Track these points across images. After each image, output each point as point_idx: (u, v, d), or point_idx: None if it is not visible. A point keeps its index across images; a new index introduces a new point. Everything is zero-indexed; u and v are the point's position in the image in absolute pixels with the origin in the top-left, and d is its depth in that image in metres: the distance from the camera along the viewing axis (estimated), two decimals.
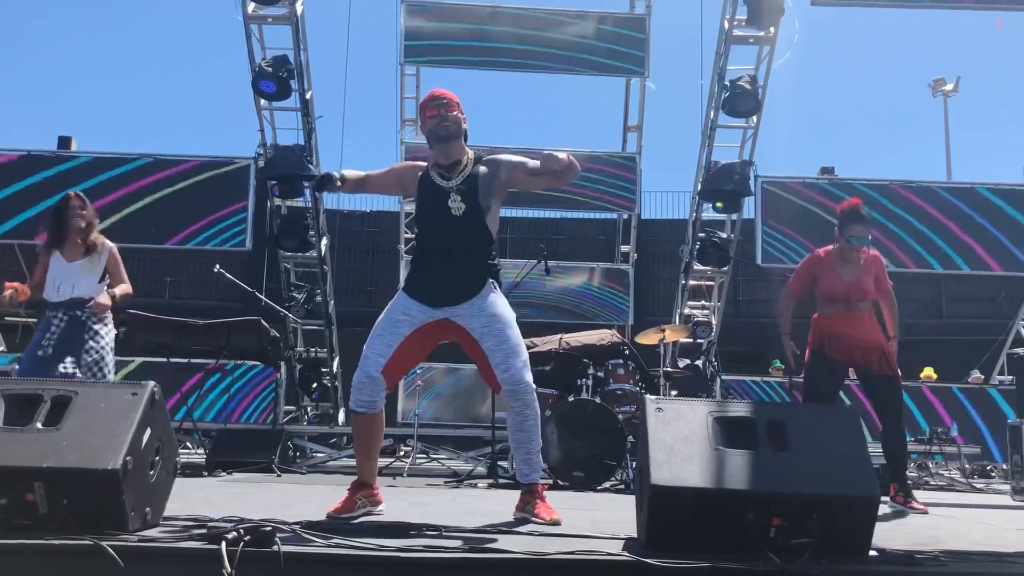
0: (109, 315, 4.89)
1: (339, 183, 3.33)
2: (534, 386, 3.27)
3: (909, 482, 4.79)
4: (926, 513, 4.39)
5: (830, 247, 4.88)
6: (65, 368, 4.61)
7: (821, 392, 4.67)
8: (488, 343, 3.22)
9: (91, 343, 4.72)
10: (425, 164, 3.45)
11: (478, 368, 3.38)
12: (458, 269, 3.28)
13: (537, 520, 3.16)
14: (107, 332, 4.85)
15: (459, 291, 3.27)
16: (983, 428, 9.75)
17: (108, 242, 4.98)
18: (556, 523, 3.11)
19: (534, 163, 3.27)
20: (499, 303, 3.28)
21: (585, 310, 10.86)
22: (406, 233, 10.55)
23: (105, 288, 4.86)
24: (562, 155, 3.10)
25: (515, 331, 3.27)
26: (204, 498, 3.86)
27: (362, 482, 3.29)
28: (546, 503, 3.28)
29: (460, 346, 3.39)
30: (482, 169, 3.36)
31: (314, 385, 10.08)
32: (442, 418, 9.84)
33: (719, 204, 9.89)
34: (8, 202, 9.59)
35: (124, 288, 4.92)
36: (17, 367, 4.80)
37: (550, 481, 5.64)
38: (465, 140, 3.43)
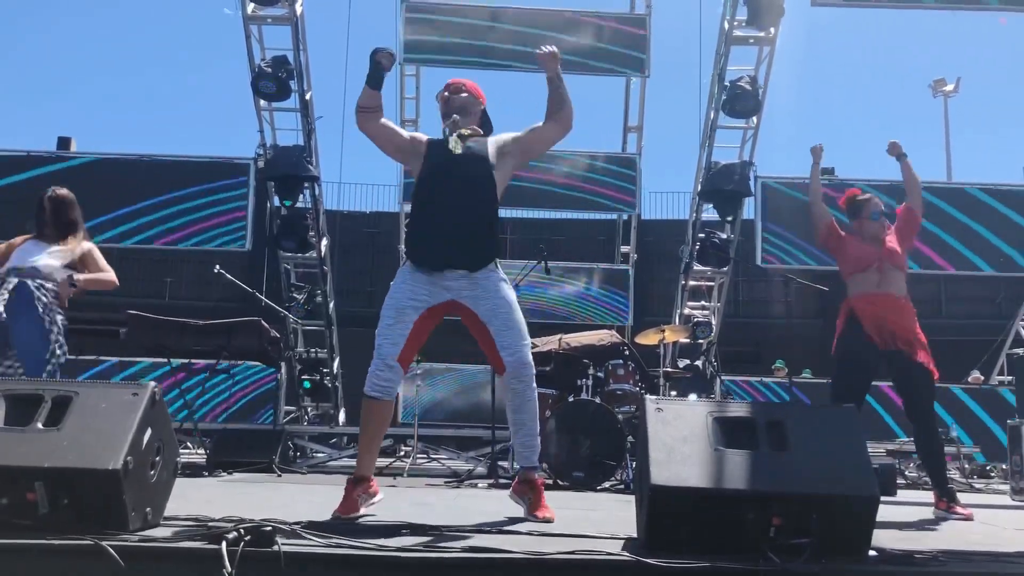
0: (58, 302, 4.58)
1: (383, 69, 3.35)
2: (535, 367, 3.34)
3: (951, 485, 4.40)
4: (970, 519, 4.04)
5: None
6: (9, 366, 4.40)
7: (850, 384, 4.34)
8: (495, 325, 3.28)
9: (37, 325, 4.43)
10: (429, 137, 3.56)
11: (482, 348, 3.39)
12: (462, 223, 3.31)
13: (533, 517, 3.21)
14: (54, 316, 4.51)
15: (463, 250, 3.30)
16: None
17: (87, 243, 4.79)
18: (548, 521, 3.17)
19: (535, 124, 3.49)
20: (503, 286, 3.34)
21: (585, 310, 10.85)
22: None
23: (71, 275, 4.61)
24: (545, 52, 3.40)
25: (519, 314, 3.34)
26: (204, 498, 3.86)
27: (360, 476, 3.27)
28: (544, 501, 3.30)
29: (468, 329, 3.43)
30: (492, 136, 3.51)
31: (304, 377, 10.03)
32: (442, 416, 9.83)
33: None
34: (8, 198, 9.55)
35: (103, 275, 4.71)
36: None
37: (549, 481, 5.65)
38: (488, 131, 3.53)
